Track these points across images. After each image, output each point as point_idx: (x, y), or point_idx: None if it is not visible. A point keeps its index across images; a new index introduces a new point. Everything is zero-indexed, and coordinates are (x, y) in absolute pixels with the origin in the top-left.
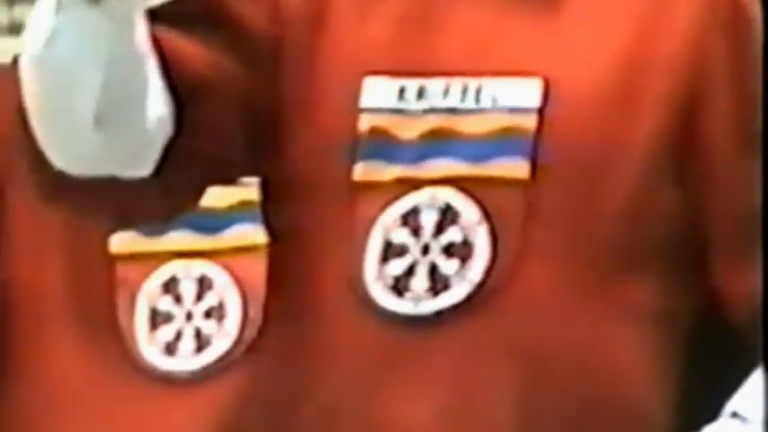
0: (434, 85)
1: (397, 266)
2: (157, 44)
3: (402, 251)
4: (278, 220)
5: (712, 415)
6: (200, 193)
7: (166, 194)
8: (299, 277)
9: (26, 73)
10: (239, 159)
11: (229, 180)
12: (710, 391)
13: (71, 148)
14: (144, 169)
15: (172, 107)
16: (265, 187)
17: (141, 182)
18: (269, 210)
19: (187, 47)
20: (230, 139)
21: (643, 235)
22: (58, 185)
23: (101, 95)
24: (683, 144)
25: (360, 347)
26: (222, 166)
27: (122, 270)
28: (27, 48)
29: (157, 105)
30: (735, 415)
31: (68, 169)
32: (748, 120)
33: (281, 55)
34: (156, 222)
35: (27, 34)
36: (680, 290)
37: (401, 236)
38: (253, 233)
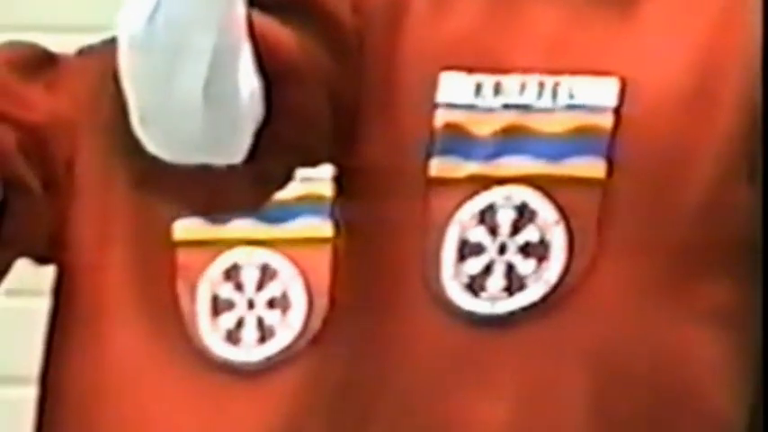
0: (511, 82)
1: (473, 265)
2: (251, 26)
3: (479, 250)
4: (352, 214)
5: None
6: (288, 179)
7: (257, 182)
8: (371, 272)
9: (127, 54)
10: (325, 148)
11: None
12: None
13: (174, 125)
14: (236, 155)
15: (262, 89)
16: (340, 181)
17: (231, 170)
18: (343, 203)
19: (279, 32)
20: (318, 126)
21: (718, 235)
22: (151, 173)
23: (212, 61)
24: (756, 142)
25: (434, 345)
26: (309, 154)
27: (184, 256)
28: (126, 28)
29: (250, 83)
30: None
31: (164, 154)
32: None
33: (362, 46)
34: (246, 210)
35: (122, 16)
36: (753, 292)
37: (478, 234)
38: (319, 226)
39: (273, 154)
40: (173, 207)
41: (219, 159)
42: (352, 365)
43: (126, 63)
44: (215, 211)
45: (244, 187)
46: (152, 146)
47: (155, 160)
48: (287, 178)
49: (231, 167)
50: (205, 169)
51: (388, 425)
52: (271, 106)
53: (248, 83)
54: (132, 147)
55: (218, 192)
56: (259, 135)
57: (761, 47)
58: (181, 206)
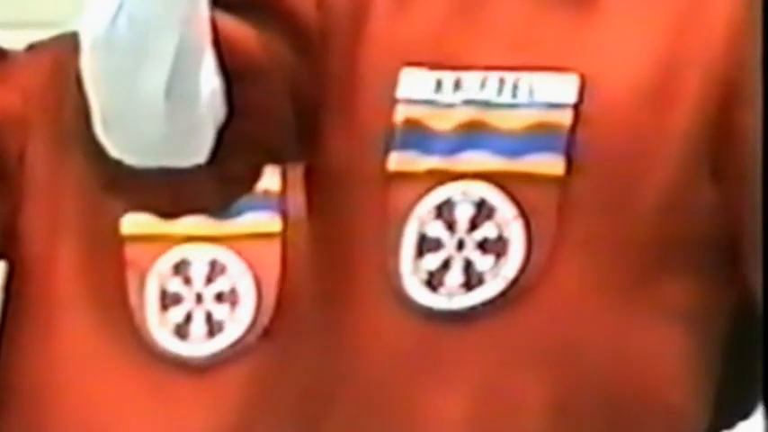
0: (471, 78)
1: (432, 261)
2: (213, 26)
3: (437, 245)
4: (310, 208)
5: (745, 413)
6: (254, 179)
7: (222, 182)
8: (329, 266)
9: (90, 55)
10: (289, 146)
11: (280, 165)
12: (744, 390)
13: (137, 127)
14: (199, 156)
15: (224, 87)
16: (308, 174)
17: (196, 170)
18: (301, 197)
19: (240, 30)
20: (280, 123)
21: (679, 233)
22: (116, 177)
23: (175, 63)
24: (719, 140)
25: (393, 340)
26: (274, 152)
27: (132, 251)
28: (89, 29)
29: (211, 82)
30: None
31: (127, 158)
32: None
33: (325, 43)
34: (213, 211)
35: (84, 17)
36: (715, 289)
37: (436, 229)
38: (268, 220)
39: (237, 153)
40: (141, 211)
41: (182, 161)
42: (307, 360)
43: (88, 65)
44: (181, 213)
45: (209, 188)
46: (115, 150)
47: (119, 164)
48: (253, 178)
49: (195, 169)
50: (170, 172)
51: (347, 418)
52: (232, 105)
53: (209, 82)
54: (96, 151)
55: (183, 194)
56: (221, 135)
57: (761, 47)
58: (147, 209)
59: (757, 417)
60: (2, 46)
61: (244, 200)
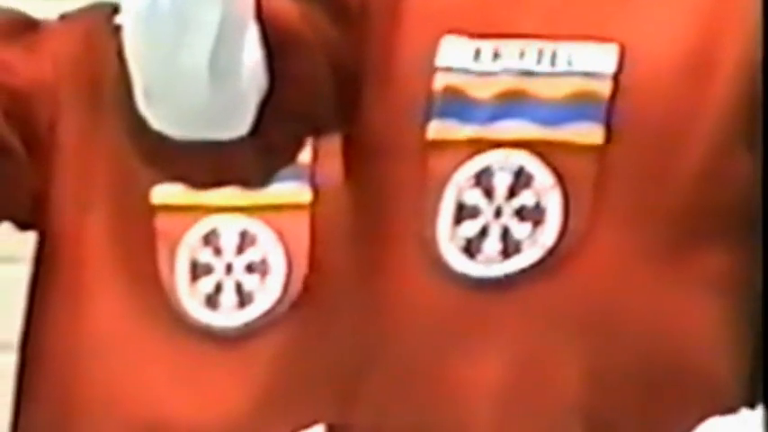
0: (510, 47)
1: (469, 228)
2: None
3: (475, 213)
4: (348, 177)
5: None
6: (296, 150)
7: (263, 153)
8: (365, 234)
9: (133, 29)
10: (330, 117)
11: (320, 136)
12: None
13: (180, 100)
14: (241, 128)
15: (265, 59)
16: (346, 144)
17: (239, 143)
18: (345, 164)
19: (281, 2)
20: (321, 94)
21: (716, 202)
22: (157, 151)
23: (218, 34)
24: (756, 109)
25: (430, 307)
26: (315, 123)
27: (163, 221)
28: (131, 3)
29: (253, 53)
30: None
31: (170, 130)
32: None
33: (365, 14)
34: (254, 183)
35: None
36: (751, 258)
37: (474, 197)
38: (298, 191)
39: (278, 125)
40: (181, 183)
41: (225, 133)
42: (340, 331)
43: (131, 38)
44: (222, 185)
45: (250, 160)
46: (157, 123)
47: (160, 137)
48: (294, 149)
49: (237, 141)
50: (211, 144)
51: (384, 387)
52: (274, 77)
53: (252, 54)
54: (138, 125)
55: (224, 166)
56: (263, 106)
57: (761, 47)
58: (187, 182)
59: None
60: (35, 16)
61: None
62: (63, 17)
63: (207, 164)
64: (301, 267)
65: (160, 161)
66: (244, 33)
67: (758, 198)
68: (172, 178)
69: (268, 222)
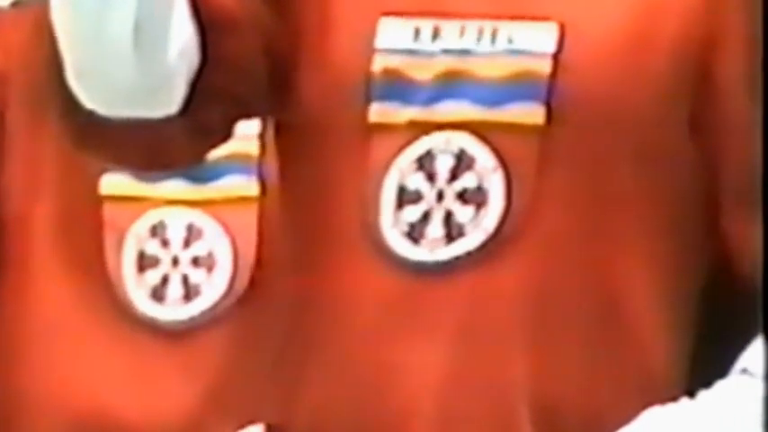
0: (450, 27)
1: (412, 213)
2: None
3: (417, 197)
4: (289, 167)
5: (722, 372)
6: (228, 132)
7: (194, 134)
8: (310, 224)
9: (59, 3)
10: (262, 99)
11: (252, 118)
12: (721, 348)
13: (107, 74)
14: (171, 106)
15: (197, 37)
16: (281, 132)
17: (169, 122)
18: (279, 156)
19: None
20: (253, 75)
21: (658, 182)
22: (88, 131)
23: (139, 5)
24: (698, 89)
25: (374, 293)
26: (246, 104)
27: (110, 211)
28: None
29: (183, 31)
30: (744, 371)
31: (100, 107)
32: (756, 66)
33: None
34: (185, 164)
35: None
36: (692, 244)
37: (416, 181)
38: (246, 185)
39: (210, 104)
40: (112, 165)
41: (154, 111)
42: (285, 323)
43: (58, 12)
44: (155, 166)
45: (182, 140)
46: (87, 99)
47: (91, 116)
48: (225, 131)
49: (168, 120)
50: (141, 124)
51: (324, 385)
52: (206, 56)
53: (182, 30)
54: (68, 105)
55: (155, 147)
56: (194, 85)
57: (761, 47)
58: (120, 163)
59: (733, 375)
60: None
61: (222, 164)
62: (15, 4)
63: (138, 145)
64: (248, 262)
65: (92, 142)
66: (171, 7)
67: (758, 195)
68: (104, 159)
69: (215, 216)
